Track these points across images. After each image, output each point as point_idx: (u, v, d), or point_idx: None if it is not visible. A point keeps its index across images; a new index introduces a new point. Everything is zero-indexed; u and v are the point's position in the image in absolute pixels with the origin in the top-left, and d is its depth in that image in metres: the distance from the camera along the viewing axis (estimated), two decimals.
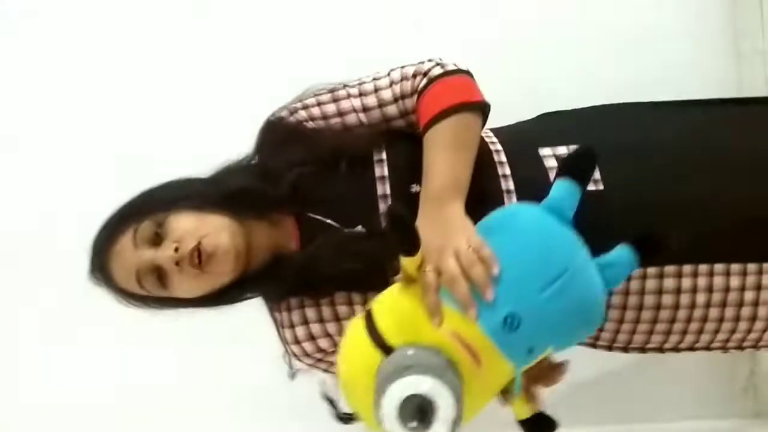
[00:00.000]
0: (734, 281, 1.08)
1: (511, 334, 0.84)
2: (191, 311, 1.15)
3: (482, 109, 1.11)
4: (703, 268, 1.08)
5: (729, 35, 1.89)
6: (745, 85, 1.86)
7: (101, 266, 1.11)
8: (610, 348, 1.17)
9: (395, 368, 0.81)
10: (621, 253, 0.94)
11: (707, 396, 1.86)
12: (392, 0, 1.84)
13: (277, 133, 1.16)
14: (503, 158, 1.12)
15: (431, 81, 1.10)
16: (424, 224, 0.96)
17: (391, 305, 0.90)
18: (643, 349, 1.17)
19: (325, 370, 1.17)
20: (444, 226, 0.96)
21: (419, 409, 0.78)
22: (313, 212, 1.11)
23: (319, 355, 1.15)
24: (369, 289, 1.04)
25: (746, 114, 1.26)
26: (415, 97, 1.12)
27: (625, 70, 1.83)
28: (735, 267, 1.08)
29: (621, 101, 1.28)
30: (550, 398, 1.77)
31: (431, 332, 0.85)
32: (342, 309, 1.12)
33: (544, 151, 1.12)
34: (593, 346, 1.18)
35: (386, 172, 1.09)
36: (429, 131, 1.07)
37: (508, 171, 1.11)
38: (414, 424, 0.78)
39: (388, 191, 1.09)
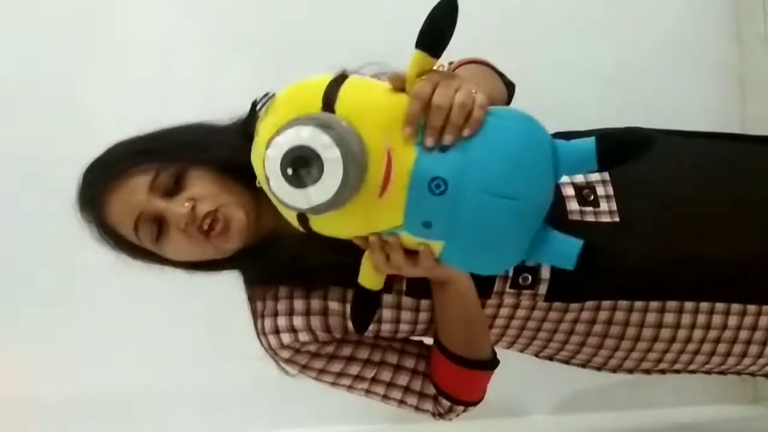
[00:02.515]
0: (732, 320, 1.10)
1: (427, 195, 0.79)
2: (165, 270, 1.07)
3: (507, 83, 1.14)
4: (704, 305, 1.09)
5: (730, 19, 1.88)
6: (747, 68, 1.86)
7: (101, 192, 1.01)
8: (599, 369, 1.20)
9: (311, 116, 0.78)
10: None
11: (706, 382, 1.84)
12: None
13: None
14: None
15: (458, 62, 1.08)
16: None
17: (367, 88, 0.84)
18: (630, 372, 1.20)
19: (300, 371, 1.10)
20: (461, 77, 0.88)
21: (304, 164, 0.74)
22: None
23: (297, 345, 1.07)
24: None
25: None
26: None
27: (625, 53, 1.82)
28: (736, 307, 1.10)
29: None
30: (550, 383, 1.78)
31: (375, 133, 0.79)
32: (333, 305, 1.06)
33: (563, 180, 1.08)
34: (582, 366, 1.20)
35: None
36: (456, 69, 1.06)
37: None
38: (291, 171, 0.75)
39: None
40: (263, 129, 0.83)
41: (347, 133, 0.76)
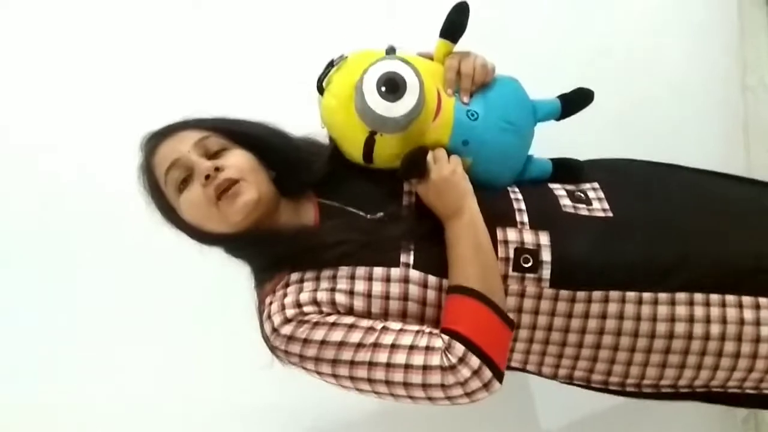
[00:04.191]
0: (748, 314, 1.09)
1: (467, 120, 1.15)
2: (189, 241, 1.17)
3: None
4: (714, 298, 1.09)
5: (735, 66, 1.92)
6: (751, 115, 1.89)
7: (159, 137, 1.14)
8: (623, 386, 1.17)
9: (397, 56, 1.12)
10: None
11: (709, 427, 1.86)
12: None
13: None
14: (517, 192, 1.18)
15: None
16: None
17: (412, 57, 1.18)
18: (657, 387, 1.17)
19: (300, 353, 1.04)
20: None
21: (395, 84, 1.07)
22: (334, 200, 1.17)
23: (300, 317, 1.04)
24: (375, 264, 1.07)
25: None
26: None
27: (631, 96, 1.86)
28: (747, 300, 1.10)
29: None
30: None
31: (428, 78, 1.12)
32: (342, 283, 1.07)
33: (553, 185, 1.20)
34: (605, 385, 1.17)
35: None
36: None
37: (520, 196, 1.17)
38: (384, 89, 1.07)
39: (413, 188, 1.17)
40: (337, 79, 1.15)
41: (416, 69, 1.09)
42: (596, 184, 1.19)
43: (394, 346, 1.01)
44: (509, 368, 1.15)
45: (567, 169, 1.23)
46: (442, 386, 0.99)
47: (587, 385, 1.18)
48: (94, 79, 1.74)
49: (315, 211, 1.17)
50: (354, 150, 1.16)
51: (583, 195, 1.17)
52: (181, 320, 1.66)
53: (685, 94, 1.87)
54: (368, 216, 1.15)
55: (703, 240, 1.12)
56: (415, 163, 1.12)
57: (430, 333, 1.02)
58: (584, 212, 1.14)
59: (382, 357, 1.00)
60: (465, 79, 1.15)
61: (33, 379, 1.71)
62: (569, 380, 1.18)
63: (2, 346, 1.71)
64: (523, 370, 1.18)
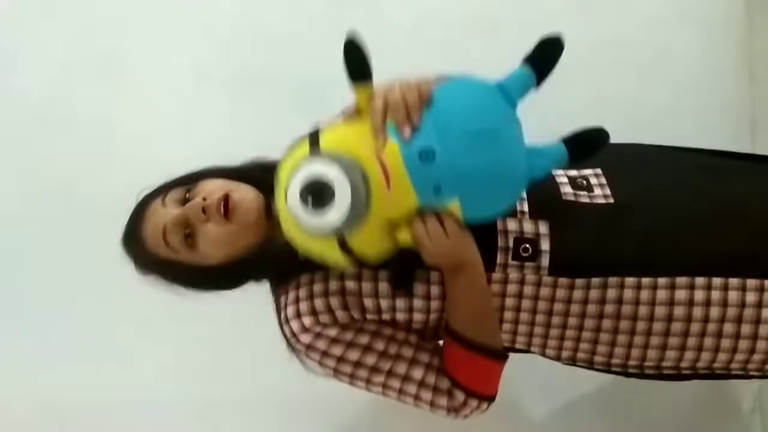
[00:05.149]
0: (750, 297, 1.10)
1: (424, 165, 0.92)
2: (207, 294, 1.17)
3: None
4: (717, 281, 1.10)
5: (742, 60, 1.93)
6: (758, 109, 1.90)
7: (131, 231, 1.14)
8: (625, 367, 1.19)
9: (311, 157, 0.93)
10: (553, 147, 1.00)
11: (715, 416, 1.86)
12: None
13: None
14: None
15: None
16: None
17: (336, 128, 1.00)
18: (659, 369, 1.18)
19: (320, 361, 1.14)
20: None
21: (318, 192, 0.89)
22: None
23: (318, 329, 1.12)
24: (380, 266, 1.09)
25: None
26: None
27: (638, 89, 1.87)
28: (752, 282, 1.11)
29: (630, 129, 1.32)
30: (561, 418, 1.80)
31: (358, 149, 0.94)
32: (350, 284, 1.12)
33: (556, 172, 1.17)
34: (608, 366, 1.19)
35: None
36: None
37: None
38: (310, 201, 0.90)
39: None
40: (279, 201, 0.98)
41: (335, 155, 0.92)
42: (599, 170, 1.18)
43: (405, 378, 1.13)
44: (514, 350, 1.20)
45: (586, 145, 1.04)
46: (446, 414, 1.15)
47: (590, 366, 1.20)
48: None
49: None
50: (340, 260, 1.01)
51: (584, 182, 1.16)
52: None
53: (693, 86, 1.88)
54: None
55: (705, 224, 1.13)
56: (402, 280, 1.04)
57: (438, 371, 1.13)
58: (585, 199, 1.14)
59: (395, 384, 1.13)
60: (396, 113, 0.95)
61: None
62: (572, 362, 1.20)
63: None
64: (528, 351, 1.21)
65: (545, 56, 1.01)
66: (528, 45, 1.02)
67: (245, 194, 1.10)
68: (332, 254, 0.99)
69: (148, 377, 1.77)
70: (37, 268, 1.77)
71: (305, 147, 0.98)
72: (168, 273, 1.14)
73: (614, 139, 1.30)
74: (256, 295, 1.22)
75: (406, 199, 0.95)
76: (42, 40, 1.84)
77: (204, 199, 1.07)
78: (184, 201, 1.10)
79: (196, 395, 1.77)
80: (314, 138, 0.98)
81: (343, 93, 1.23)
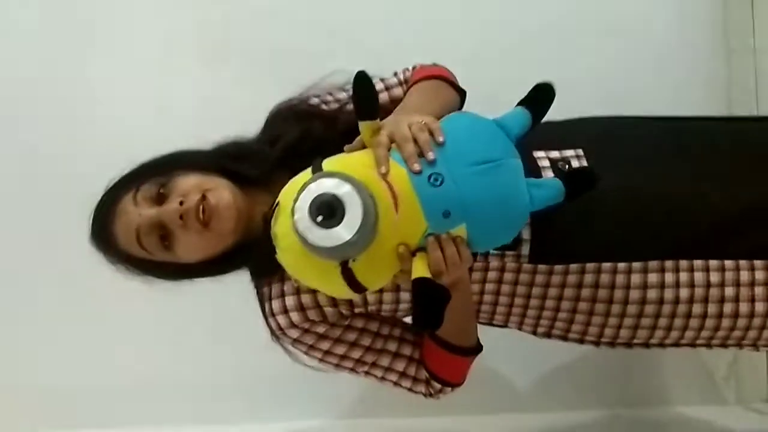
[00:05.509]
0: (714, 277, 1.13)
1: (432, 189, 0.91)
2: (188, 282, 1.16)
3: (459, 90, 1.24)
4: (684, 263, 1.13)
5: (719, 31, 1.93)
6: (734, 80, 1.91)
7: (101, 229, 1.11)
8: (597, 343, 1.22)
9: (320, 174, 0.91)
10: (552, 181, 1.01)
11: (690, 384, 1.90)
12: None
13: (285, 114, 1.21)
14: None
15: (418, 66, 1.26)
16: (390, 116, 1.05)
17: (340, 157, 0.99)
18: (629, 345, 1.22)
19: (306, 352, 1.17)
20: (406, 113, 1.04)
21: (329, 208, 0.86)
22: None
23: (306, 325, 1.13)
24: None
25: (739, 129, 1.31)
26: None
27: (615, 64, 1.87)
28: (714, 263, 1.13)
29: (609, 102, 1.32)
30: (542, 383, 1.82)
31: (364, 173, 0.92)
32: None
33: (538, 154, 1.15)
34: (581, 341, 1.22)
35: None
36: (411, 87, 1.19)
37: None
38: (321, 218, 0.86)
39: None
40: (279, 230, 0.93)
41: (345, 175, 0.89)
42: (580, 151, 1.16)
43: (388, 370, 1.20)
44: (491, 324, 1.24)
45: (581, 182, 1.02)
46: (424, 395, 1.23)
47: (564, 339, 1.24)
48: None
49: None
50: (340, 289, 0.95)
51: (566, 165, 1.15)
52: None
53: (670, 56, 1.89)
54: None
55: (680, 206, 1.14)
56: (434, 318, 0.90)
57: (418, 363, 1.20)
58: None
59: (378, 373, 1.20)
60: (406, 146, 0.93)
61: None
62: (547, 336, 1.24)
63: None
64: (505, 326, 1.24)
65: (540, 98, 1.02)
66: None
67: (222, 195, 1.07)
68: (331, 281, 0.94)
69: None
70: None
71: (308, 175, 0.94)
72: (141, 268, 1.13)
73: (595, 112, 1.31)
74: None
75: (415, 222, 0.92)
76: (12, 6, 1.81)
77: (181, 204, 1.04)
78: (158, 198, 1.07)
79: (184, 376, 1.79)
80: (317, 167, 0.94)
81: (321, 64, 1.23)
